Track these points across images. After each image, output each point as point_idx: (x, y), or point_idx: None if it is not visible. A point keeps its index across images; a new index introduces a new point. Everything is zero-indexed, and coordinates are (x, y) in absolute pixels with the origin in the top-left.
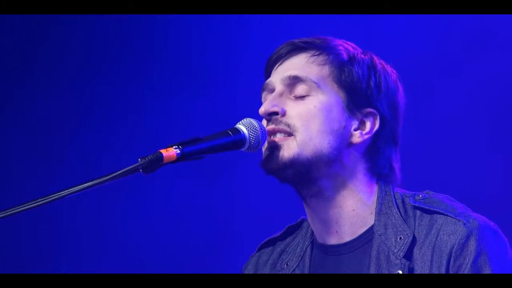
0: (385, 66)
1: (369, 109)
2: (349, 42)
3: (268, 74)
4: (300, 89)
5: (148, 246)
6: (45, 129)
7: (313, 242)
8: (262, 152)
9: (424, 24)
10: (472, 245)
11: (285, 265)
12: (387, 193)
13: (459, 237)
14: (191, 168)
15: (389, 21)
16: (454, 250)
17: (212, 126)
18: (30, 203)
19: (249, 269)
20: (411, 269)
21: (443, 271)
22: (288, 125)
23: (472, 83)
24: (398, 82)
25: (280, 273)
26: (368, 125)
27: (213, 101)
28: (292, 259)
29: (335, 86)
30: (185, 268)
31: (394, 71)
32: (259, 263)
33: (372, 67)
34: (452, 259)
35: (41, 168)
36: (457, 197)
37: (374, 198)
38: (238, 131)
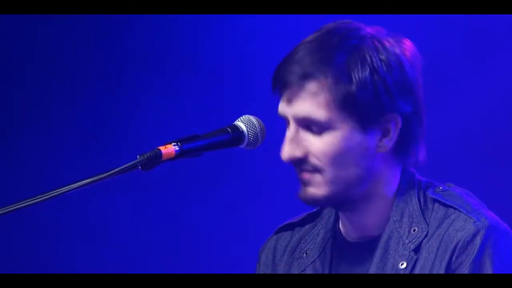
0: (386, 53)
1: (387, 115)
2: (347, 30)
3: (276, 89)
4: (314, 127)
5: (144, 246)
6: (46, 128)
7: (336, 235)
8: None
9: (425, 25)
10: (476, 243)
11: (304, 254)
12: (411, 179)
13: (465, 234)
14: (189, 166)
15: (389, 21)
16: (458, 246)
17: (212, 124)
18: (28, 201)
19: (266, 253)
20: (415, 260)
21: (444, 265)
22: (314, 166)
23: (476, 84)
24: (404, 56)
25: (298, 261)
26: (390, 129)
27: (213, 99)
28: (312, 249)
29: (345, 113)
30: (179, 268)
31: (394, 40)
32: (277, 248)
33: (374, 70)
34: (455, 254)
35: (42, 167)
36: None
37: (397, 187)
38: (236, 128)
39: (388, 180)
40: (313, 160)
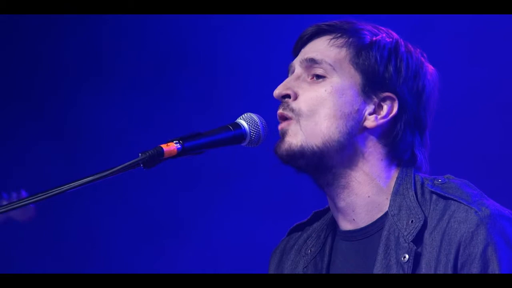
0: (412, 49)
1: (387, 93)
2: (380, 27)
3: (295, 56)
4: (316, 71)
5: (143, 246)
6: (46, 127)
7: (335, 228)
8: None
9: (424, 24)
10: (482, 234)
11: (309, 251)
12: (407, 175)
13: (469, 225)
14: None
15: (389, 21)
16: (463, 238)
17: (214, 122)
18: (29, 199)
19: (277, 253)
20: (418, 253)
21: (451, 259)
22: (293, 110)
23: (473, 83)
24: (427, 66)
25: (304, 258)
26: (385, 109)
27: (215, 97)
28: (315, 245)
29: (352, 69)
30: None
31: (423, 55)
32: (286, 248)
33: (394, 50)
34: (461, 247)
35: (43, 165)
36: None
37: (391, 183)
38: (238, 126)
39: (375, 167)
40: (295, 105)
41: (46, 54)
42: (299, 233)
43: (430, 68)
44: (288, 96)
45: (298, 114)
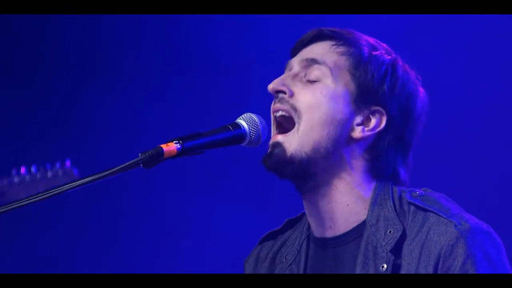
0: (409, 71)
1: (377, 107)
2: (381, 42)
3: (293, 57)
4: (314, 72)
5: (140, 246)
6: (46, 127)
7: (309, 235)
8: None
9: (425, 24)
10: (461, 247)
11: (284, 259)
12: (385, 187)
13: (448, 239)
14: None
15: (389, 21)
16: (443, 251)
17: (213, 122)
18: (29, 199)
19: (250, 262)
20: (396, 264)
21: (430, 270)
22: (295, 108)
23: (472, 85)
24: (420, 90)
25: (279, 266)
26: (372, 122)
27: (215, 97)
28: (290, 253)
29: (348, 78)
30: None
31: (418, 78)
32: (260, 257)
33: (391, 67)
34: (441, 260)
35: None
36: (452, 198)
37: (371, 193)
38: (238, 126)
39: (357, 178)
40: (295, 102)
41: (46, 54)
42: (272, 241)
43: (421, 91)
44: (283, 92)
45: (299, 116)
